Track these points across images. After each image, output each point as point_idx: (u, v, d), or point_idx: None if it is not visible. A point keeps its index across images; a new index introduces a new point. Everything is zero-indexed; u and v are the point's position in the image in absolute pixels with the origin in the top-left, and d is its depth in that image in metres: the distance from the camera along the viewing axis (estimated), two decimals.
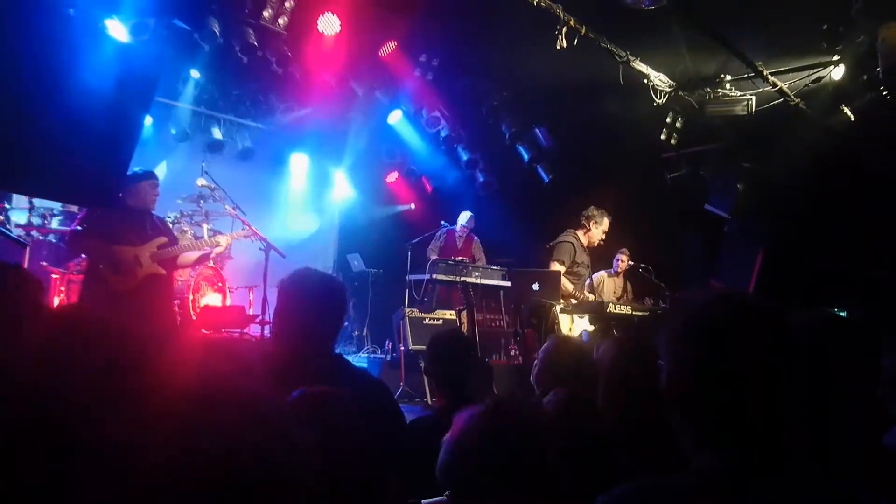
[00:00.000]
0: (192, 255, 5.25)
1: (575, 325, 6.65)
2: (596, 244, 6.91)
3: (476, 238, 9.17)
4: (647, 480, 1.17)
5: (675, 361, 1.22)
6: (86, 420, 0.33)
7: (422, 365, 6.57)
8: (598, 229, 6.91)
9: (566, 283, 6.69)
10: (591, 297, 7.15)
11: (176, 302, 6.90)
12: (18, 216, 6.84)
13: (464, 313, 6.67)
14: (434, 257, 8.91)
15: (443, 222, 9.22)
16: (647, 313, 6.85)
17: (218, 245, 5.38)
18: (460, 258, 8.77)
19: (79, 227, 4.77)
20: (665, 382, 1.23)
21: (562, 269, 6.70)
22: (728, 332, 1.15)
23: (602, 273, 7.96)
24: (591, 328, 6.58)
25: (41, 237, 6.77)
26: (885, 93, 5.81)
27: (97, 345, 0.34)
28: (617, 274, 8.02)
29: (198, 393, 0.41)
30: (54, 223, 6.84)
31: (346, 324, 10.52)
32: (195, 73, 8.35)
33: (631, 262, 7.84)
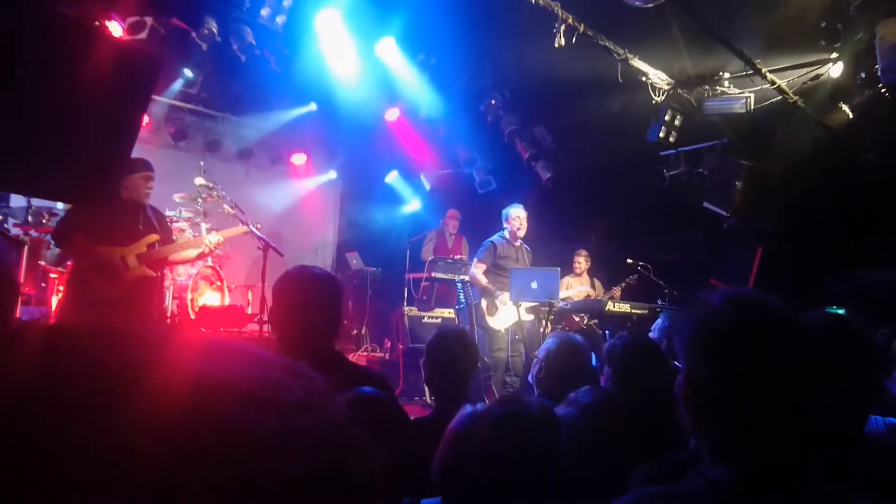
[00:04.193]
0: (190, 253, 5.12)
1: (499, 313, 6.72)
2: (521, 234, 6.85)
3: (464, 237, 9.25)
4: (656, 489, 1.14)
5: (692, 364, 1.18)
6: (78, 433, 0.32)
7: (422, 363, 6.57)
8: (513, 223, 6.85)
9: (481, 278, 6.78)
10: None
11: (175, 301, 6.90)
12: (16, 216, 6.83)
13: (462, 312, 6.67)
14: (430, 257, 8.94)
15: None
16: (646, 311, 6.86)
17: (211, 242, 5.11)
18: (459, 256, 8.80)
19: (64, 224, 4.49)
20: (682, 386, 1.19)
21: (482, 267, 6.79)
22: (748, 333, 1.12)
23: (567, 277, 8.34)
24: (517, 318, 6.60)
25: (40, 235, 6.76)
26: (883, 90, 5.80)
27: (84, 357, 0.33)
28: (579, 274, 8.48)
29: (194, 393, 0.40)
30: (52, 222, 6.83)
31: (344, 321, 10.54)
32: (192, 72, 8.34)
33: (589, 262, 8.48)
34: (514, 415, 1.52)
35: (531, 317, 6.62)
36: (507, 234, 6.88)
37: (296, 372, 0.45)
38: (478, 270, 6.83)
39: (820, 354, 1.13)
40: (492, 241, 6.92)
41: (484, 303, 6.76)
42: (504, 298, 6.48)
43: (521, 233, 6.80)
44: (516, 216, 6.79)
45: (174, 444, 0.36)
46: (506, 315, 6.68)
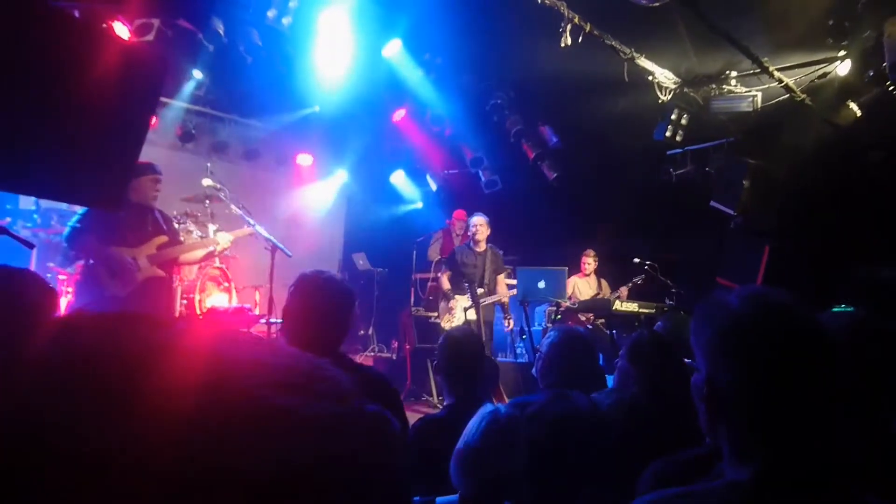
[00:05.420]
0: (199, 253, 5.17)
1: (452, 316, 7.09)
2: (478, 239, 7.28)
3: None
4: (678, 490, 1.14)
5: (713, 365, 1.16)
6: (85, 428, 0.32)
7: (432, 363, 6.68)
8: (470, 230, 7.41)
9: (445, 283, 7.41)
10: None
11: (183, 302, 6.92)
12: (25, 217, 6.87)
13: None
14: (436, 258, 8.95)
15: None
16: (653, 310, 6.86)
17: (218, 243, 5.20)
18: None
19: (77, 225, 4.56)
20: (701, 387, 1.18)
21: (447, 273, 7.42)
22: (771, 334, 1.11)
23: (574, 278, 8.38)
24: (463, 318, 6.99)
25: (48, 237, 6.79)
26: (891, 88, 5.77)
27: (98, 349, 0.34)
28: (587, 275, 8.56)
29: (206, 391, 0.40)
30: (60, 224, 6.87)
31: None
32: (199, 74, 8.36)
33: (597, 262, 8.58)
34: (570, 412, 1.50)
35: (475, 318, 7.01)
36: (471, 241, 7.35)
37: (322, 367, 0.46)
38: (443, 277, 7.47)
39: (843, 354, 1.12)
40: (454, 250, 7.55)
41: (443, 305, 7.35)
42: (454, 304, 7.12)
43: (479, 237, 7.26)
44: (472, 224, 7.36)
45: (193, 422, 0.37)
46: (457, 317, 7.07)
